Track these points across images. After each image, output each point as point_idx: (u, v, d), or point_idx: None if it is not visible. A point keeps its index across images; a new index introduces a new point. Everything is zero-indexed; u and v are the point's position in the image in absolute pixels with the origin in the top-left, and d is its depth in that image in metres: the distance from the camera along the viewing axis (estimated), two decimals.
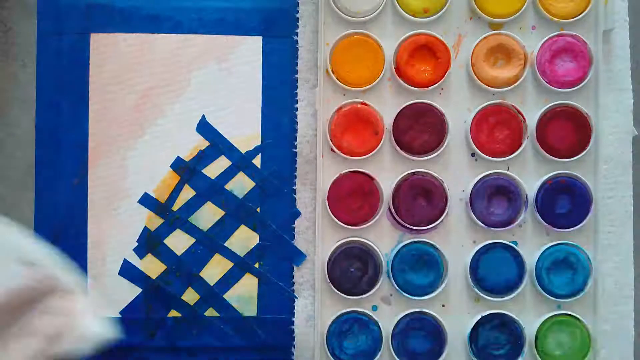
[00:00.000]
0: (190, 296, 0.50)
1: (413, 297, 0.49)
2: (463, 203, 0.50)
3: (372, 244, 0.49)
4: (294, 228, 0.50)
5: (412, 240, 0.49)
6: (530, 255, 0.49)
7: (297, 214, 0.50)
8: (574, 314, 0.49)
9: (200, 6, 0.51)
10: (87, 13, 0.50)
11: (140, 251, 0.50)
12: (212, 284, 0.50)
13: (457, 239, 0.50)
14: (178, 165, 0.50)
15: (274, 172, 0.50)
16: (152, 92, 0.50)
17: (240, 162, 0.51)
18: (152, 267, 0.50)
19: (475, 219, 0.49)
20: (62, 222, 0.50)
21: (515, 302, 0.49)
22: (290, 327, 0.50)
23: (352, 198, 0.49)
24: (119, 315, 0.50)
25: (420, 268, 0.49)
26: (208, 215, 0.50)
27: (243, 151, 0.51)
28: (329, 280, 0.49)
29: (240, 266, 0.50)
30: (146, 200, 0.50)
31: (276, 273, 0.50)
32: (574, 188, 0.49)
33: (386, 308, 0.50)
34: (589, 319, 0.49)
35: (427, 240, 0.49)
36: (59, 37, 0.50)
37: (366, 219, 0.49)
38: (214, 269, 0.50)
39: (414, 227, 0.49)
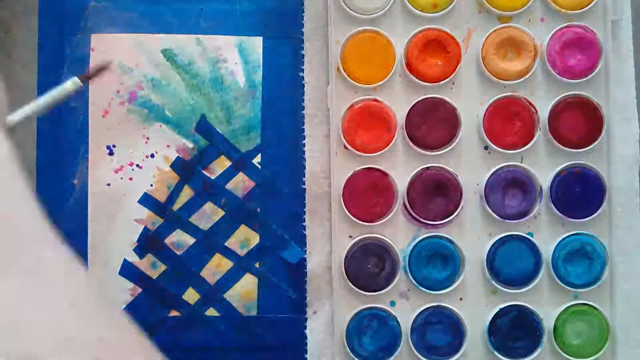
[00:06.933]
0: (191, 296, 0.50)
1: (431, 292, 0.49)
2: (478, 196, 0.50)
3: (388, 240, 0.49)
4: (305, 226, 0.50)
5: (427, 235, 0.49)
6: (546, 246, 0.49)
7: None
8: (591, 303, 0.49)
9: (201, 7, 0.50)
10: (88, 13, 0.50)
11: (140, 251, 0.50)
12: (212, 284, 0.50)
13: (472, 232, 0.50)
14: (178, 165, 0.50)
15: (274, 172, 0.50)
16: (152, 92, 0.50)
17: (240, 162, 0.50)
18: (152, 267, 0.50)
19: (491, 211, 0.49)
20: (62, 222, 0.50)
21: (533, 294, 0.49)
22: (289, 327, 0.50)
23: (367, 195, 0.49)
24: None
25: (436, 262, 0.49)
26: (208, 215, 0.50)
27: (243, 151, 0.50)
28: (346, 277, 0.49)
29: (241, 266, 0.50)
30: (146, 200, 0.50)
31: (276, 273, 0.50)
32: (588, 178, 0.49)
33: (404, 303, 0.50)
34: (606, 308, 0.49)
35: (443, 235, 0.49)
36: (60, 37, 0.50)
37: (381, 215, 0.49)
38: (214, 269, 0.50)
39: (430, 222, 0.49)
